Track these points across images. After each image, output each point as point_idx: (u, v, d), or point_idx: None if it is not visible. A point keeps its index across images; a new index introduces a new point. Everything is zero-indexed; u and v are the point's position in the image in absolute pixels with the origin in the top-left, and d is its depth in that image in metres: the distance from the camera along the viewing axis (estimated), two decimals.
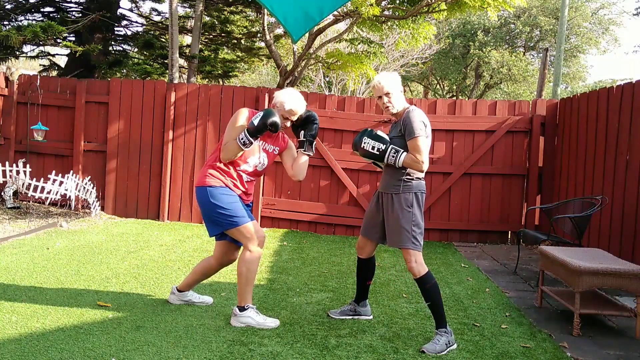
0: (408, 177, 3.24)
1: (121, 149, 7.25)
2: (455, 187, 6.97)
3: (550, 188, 6.85)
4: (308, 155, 3.46)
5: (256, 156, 3.41)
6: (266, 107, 7.06)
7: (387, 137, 3.27)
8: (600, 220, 5.49)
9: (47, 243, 5.37)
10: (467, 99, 8.38)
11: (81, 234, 5.95)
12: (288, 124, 3.43)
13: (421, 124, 3.21)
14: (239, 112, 3.39)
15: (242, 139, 3.23)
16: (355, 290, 3.70)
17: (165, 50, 9.69)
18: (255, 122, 3.20)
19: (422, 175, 3.29)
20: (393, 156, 3.17)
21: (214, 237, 3.55)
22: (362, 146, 3.23)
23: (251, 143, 3.25)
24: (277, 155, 3.57)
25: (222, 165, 3.36)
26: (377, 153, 3.20)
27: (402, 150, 3.18)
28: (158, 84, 7.34)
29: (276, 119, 3.23)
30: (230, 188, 3.35)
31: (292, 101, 3.36)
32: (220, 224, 3.34)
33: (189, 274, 3.73)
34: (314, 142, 3.47)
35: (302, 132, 3.44)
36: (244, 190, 3.42)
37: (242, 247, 3.45)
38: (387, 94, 3.25)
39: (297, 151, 3.48)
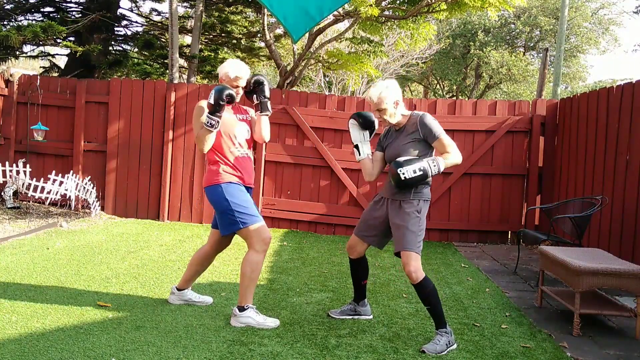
0: (420, 184, 3.21)
1: (121, 149, 7.25)
2: (455, 187, 6.97)
3: (550, 188, 6.85)
4: (267, 115, 3.54)
5: (238, 128, 3.50)
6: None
7: (412, 156, 3.19)
8: (600, 220, 5.49)
9: (47, 243, 5.37)
10: (467, 99, 8.38)
11: (81, 234, 5.95)
12: (240, 91, 3.50)
13: (437, 123, 3.25)
14: (197, 107, 3.45)
15: (207, 122, 3.29)
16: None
17: (165, 50, 9.70)
18: (211, 100, 3.26)
19: (430, 182, 3.30)
20: (435, 166, 3.12)
21: (208, 228, 3.59)
22: (402, 178, 3.08)
23: (217, 122, 3.30)
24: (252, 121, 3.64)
25: (221, 156, 3.41)
26: (422, 173, 3.09)
27: (435, 157, 3.18)
28: (158, 84, 7.33)
29: (228, 89, 3.30)
30: (236, 176, 3.40)
31: (234, 68, 3.45)
32: (234, 222, 3.34)
33: (186, 269, 3.73)
34: (269, 102, 3.54)
35: (255, 95, 3.52)
36: (247, 171, 3.49)
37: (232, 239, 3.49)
38: (380, 111, 3.26)
39: (257, 114, 3.55)
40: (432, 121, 3.22)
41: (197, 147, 3.45)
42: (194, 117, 3.44)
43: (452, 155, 3.19)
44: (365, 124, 3.37)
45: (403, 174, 3.08)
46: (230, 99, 3.32)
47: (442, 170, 3.15)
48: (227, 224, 3.38)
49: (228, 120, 3.43)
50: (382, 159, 3.42)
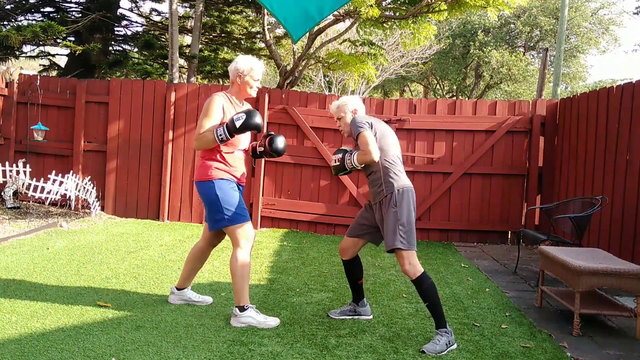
0: (386, 179, 3.29)
1: (121, 149, 7.25)
2: (455, 187, 6.97)
3: (550, 188, 6.85)
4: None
5: (245, 137, 3.49)
6: (266, 106, 7.07)
7: (347, 149, 3.49)
8: (600, 220, 5.49)
9: (47, 243, 5.37)
10: (467, 99, 8.39)
11: (81, 234, 5.95)
12: (255, 93, 3.50)
13: (360, 122, 3.33)
14: (213, 100, 3.35)
15: (220, 135, 3.26)
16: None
17: (165, 50, 9.70)
18: (238, 124, 3.22)
19: (399, 172, 3.32)
20: (349, 158, 3.35)
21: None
22: (331, 166, 3.49)
23: (228, 140, 3.29)
24: None
25: (221, 154, 3.38)
26: (339, 163, 3.40)
27: (354, 151, 3.33)
28: (158, 84, 7.33)
29: (259, 120, 3.27)
30: (232, 174, 3.40)
31: (259, 69, 3.44)
32: (222, 220, 3.35)
33: (183, 267, 3.74)
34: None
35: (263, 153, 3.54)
36: (241, 169, 3.50)
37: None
38: (339, 119, 3.53)
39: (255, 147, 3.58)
40: (354, 122, 3.37)
41: (195, 142, 3.36)
42: (207, 111, 3.31)
43: (361, 152, 3.27)
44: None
45: (332, 162, 3.49)
46: (257, 131, 3.31)
47: (356, 164, 3.32)
48: (216, 220, 3.39)
49: None
50: None
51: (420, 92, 28.13)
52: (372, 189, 3.40)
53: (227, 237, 3.67)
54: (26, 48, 10.01)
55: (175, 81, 8.09)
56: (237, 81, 3.42)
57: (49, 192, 6.25)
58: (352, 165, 3.33)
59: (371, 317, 3.68)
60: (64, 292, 3.83)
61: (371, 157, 3.24)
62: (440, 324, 3.17)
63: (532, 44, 22.60)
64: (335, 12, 7.63)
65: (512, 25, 21.68)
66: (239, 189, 3.47)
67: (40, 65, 11.62)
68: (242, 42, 11.75)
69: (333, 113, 3.52)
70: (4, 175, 6.49)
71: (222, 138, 3.25)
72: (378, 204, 3.33)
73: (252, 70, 3.40)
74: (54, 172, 6.52)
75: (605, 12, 21.64)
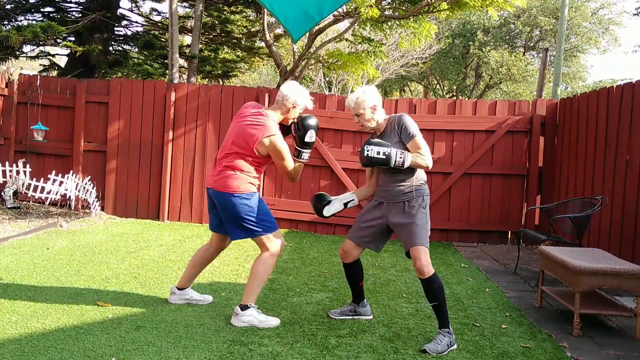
0: (418, 183, 3.30)
1: (121, 149, 7.25)
2: (455, 187, 6.97)
3: (550, 188, 6.85)
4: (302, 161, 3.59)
5: None
6: (267, 106, 7.06)
7: (382, 141, 3.26)
8: (600, 220, 5.49)
9: (47, 243, 5.37)
10: (467, 99, 8.38)
11: (81, 234, 5.95)
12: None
13: (415, 125, 3.28)
14: (276, 139, 3.38)
15: (307, 158, 3.53)
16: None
17: (165, 50, 9.70)
18: (312, 139, 3.43)
19: (425, 179, 3.36)
20: (400, 157, 3.17)
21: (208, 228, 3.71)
22: (365, 154, 3.18)
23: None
24: None
25: (256, 168, 3.48)
26: (384, 157, 3.16)
27: (407, 151, 3.22)
28: (158, 84, 7.33)
29: (316, 121, 3.46)
30: (256, 185, 3.51)
31: (310, 101, 3.52)
32: (259, 231, 3.43)
33: (186, 269, 3.75)
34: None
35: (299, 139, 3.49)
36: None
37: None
38: (357, 115, 3.34)
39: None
40: (408, 120, 3.27)
41: (296, 177, 3.59)
42: (283, 149, 3.41)
43: (421, 157, 3.21)
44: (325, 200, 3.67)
45: (368, 151, 3.19)
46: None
47: (406, 164, 3.19)
48: (250, 231, 3.42)
49: None
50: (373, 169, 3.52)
51: (420, 92, 28.14)
52: (394, 187, 3.30)
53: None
54: (26, 48, 10.01)
55: (175, 81, 8.09)
56: (290, 110, 3.49)
57: (49, 192, 6.25)
58: (401, 164, 3.18)
59: (371, 317, 3.68)
60: (64, 292, 3.83)
61: (427, 164, 3.23)
62: (444, 324, 3.18)
63: (532, 44, 22.60)
64: (335, 12, 7.63)
65: (512, 25, 21.67)
66: None
67: (40, 65, 11.62)
68: (242, 42, 11.74)
69: (350, 108, 3.34)
70: (4, 175, 6.49)
71: (306, 158, 3.53)
72: (402, 203, 3.29)
73: (305, 107, 3.53)
74: (54, 172, 6.51)
75: (605, 12, 21.63)
